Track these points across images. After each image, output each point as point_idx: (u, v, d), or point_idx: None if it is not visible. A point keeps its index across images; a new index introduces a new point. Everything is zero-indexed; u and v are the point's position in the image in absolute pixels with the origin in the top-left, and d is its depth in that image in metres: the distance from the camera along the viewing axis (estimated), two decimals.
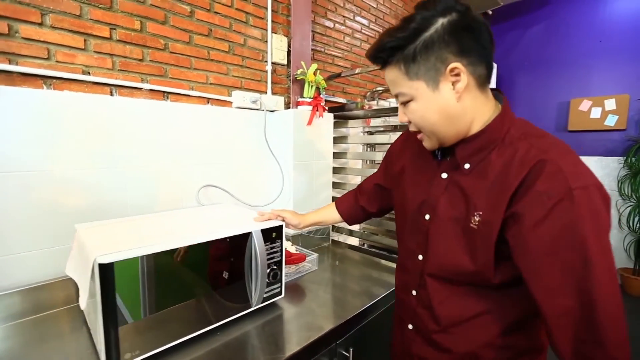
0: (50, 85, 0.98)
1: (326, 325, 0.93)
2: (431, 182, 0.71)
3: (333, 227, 1.77)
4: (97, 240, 0.78)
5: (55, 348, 0.81)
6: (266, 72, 1.54)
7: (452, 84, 0.59)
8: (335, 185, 1.76)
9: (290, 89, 1.63)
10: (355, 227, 1.82)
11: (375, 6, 2.29)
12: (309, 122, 1.51)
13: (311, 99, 1.53)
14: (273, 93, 1.58)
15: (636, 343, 2.15)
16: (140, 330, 0.73)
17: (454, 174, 0.67)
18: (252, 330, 0.91)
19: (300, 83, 1.60)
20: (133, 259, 0.71)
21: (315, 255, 1.36)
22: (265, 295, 0.98)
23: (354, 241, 1.80)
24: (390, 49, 0.60)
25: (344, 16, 2.03)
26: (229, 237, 0.88)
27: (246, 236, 0.92)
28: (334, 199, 1.48)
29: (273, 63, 1.56)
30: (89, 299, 0.73)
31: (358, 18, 2.15)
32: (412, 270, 0.76)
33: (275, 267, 0.99)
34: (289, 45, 1.62)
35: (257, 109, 1.48)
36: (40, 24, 0.95)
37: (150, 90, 1.18)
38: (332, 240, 1.73)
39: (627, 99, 3.06)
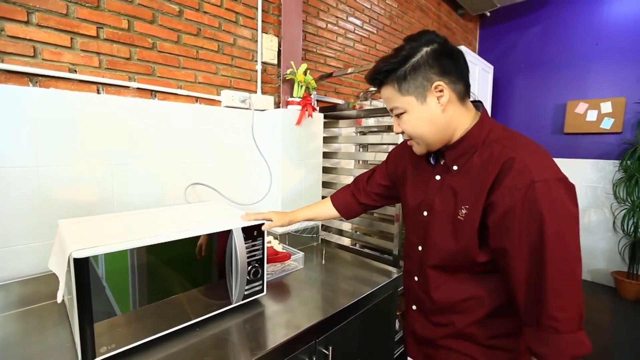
0: (37, 82, 1.00)
1: (306, 323, 0.94)
2: (427, 184, 0.84)
3: (322, 226, 1.78)
4: (76, 235, 0.79)
5: (36, 341, 0.82)
6: (256, 71, 1.55)
7: (438, 99, 0.72)
8: (326, 184, 1.77)
9: (280, 88, 1.65)
10: (347, 227, 1.83)
11: (369, 7, 2.30)
12: (298, 122, 1.52)
13: (300, 99, 1.54)
14: (263, 92, 1.60)
15: (633, 346, 2.16)
16: (118, 324, 0.74)
17: (446, 176, 0.80)
18: (232, 326, 0.92)
19: (290, 83, 1.61)
20: (113, 254, 0.72)
21: (301, 253, 1.37)
22: (246, 293, 0.99)
23: (344, 241, 1.81)
24: (386, 72, 0.74)
25: (336, 16, 2.04)
26: (209, 234, 0.89)
27: (227, 233, 0.93)
28: (324, 198, 1.49)
29: (263, 63, 1.57)
30: (66, 294, 0.74)
31: (351, 19, 2.16)
32: (414, 259, 0.89)
33: (257, 264, 1.00)
34: (280, 45, 1.63)
35: (246, 108, 1.49)
36: (27, 22, 0.96)
37: (138, 88, 1.19)
38: (322, 240, 1.74)
39: (623, 102, 3.06)
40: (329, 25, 2.00)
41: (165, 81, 1.27)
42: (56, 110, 1.01)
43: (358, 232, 1.86)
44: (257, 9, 1.52)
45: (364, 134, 1.87)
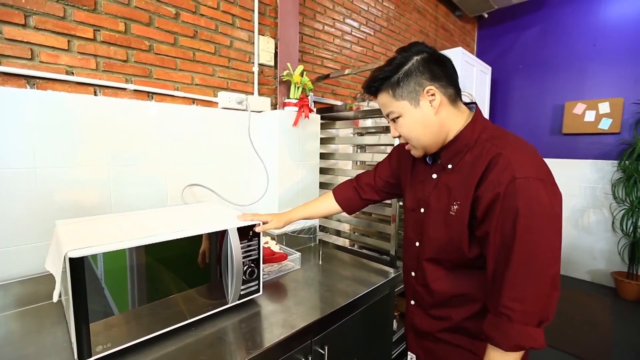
0: (34, 84, 1.01)
1: (302, 323, 0.94)
2: (425, 182, 0.89)
3: (320, 226, 1.78)
4: (72, 235, 0.80)
5: (33, 341, 0.83)
6: (253, 73, 1.56)
7: (430, 102, 0.77)
8: (323, 185, 1.78)
9: (277, 90, 1.65)
10: (344, 228, 1.84)
11: (366, 9, 2.31)
12: (295, 123, 1.52)
13: (297, 100, 1.55)
14: (260, 94, 1.60)
15: (634, 348, 2.16)
16: (114, 324, 0.75)
17: (442, 174, 0.84)
18: (227, 326, 0.92)
19: (287, 84, 1.62)
20: (110, 254, 0.73)
21: (298, 254, 1.38)
22: (241, 293, 0.99)
23: (341, 241, 1.82)
24: (381, 80, 0.80)
25: (333, 18, 2.06)
26: (205, 234, 0.90)
27: (223, 233, 0.94)
28: None
29: (260, 64, 1.58)
30: (63, 293, 0.74)
31: (348, 20, 2.18)
32: (412, 255, 0.93)
33: (252, 264, 1.01)
34: (276, 47, 1.64)
35: (242, 110, 1.50)
36: (24, 25, 0.98)
37: (135, 90, 1.20)
38: (319, 240, 1.75)
39: (621, 103, 3.06)
40: (325, 27, 2.01)
41: (162, 83, 1.28)
42: (53, 112, 1.01)
43: (355, 233, 1.86)
44: (253, 11, 1.53)
45: (361, 134, 1.88)
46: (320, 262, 1.46)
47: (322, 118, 1.73)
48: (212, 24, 1.40)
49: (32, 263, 1.00)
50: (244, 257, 0.98)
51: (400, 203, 1.41)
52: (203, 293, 0.91)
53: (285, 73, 1.58)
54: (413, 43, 0.80)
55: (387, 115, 0.84)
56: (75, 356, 0.71)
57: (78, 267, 0.69)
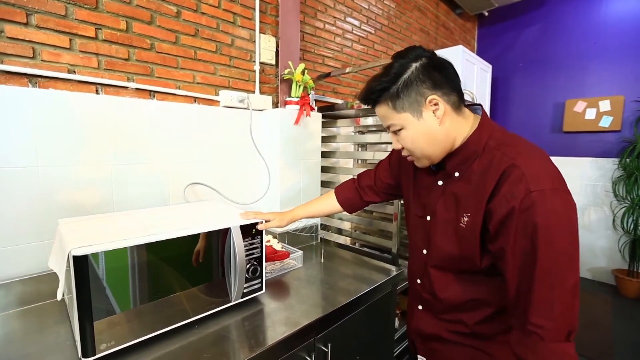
0: (36, 83, 1.01)
1: (305, 321, 0.94)
2: (430, 189, 0.85)
3: (322, 225, 1.78)
4: (76, 234, 0.80)
5: (36, 339, 0.83)
6: (254, 71, 1.56)
7: (433, 112, 0.73)
8: (325, 184, 1.78)
9: (278, 88, 1.65)
10: (346, 226, 1.84)
11: (367, 7, 2.31)
12: (296, 121, 1.52)
13: (298, 99, 1.55)
14: (261, 92, 1.60)
15: (634, 345, 2.16)
16: (117, 322, 0.75)
17: (448, 182, 0.80)
18: (231, 324, 0.92)
19: (288, 83, 1.61)
20: (112, 252, 0.73)
21: (300, 252, 1.38)
22: (245, 291, 0.99)
23: (343, 240, 1.82)
24: (378, 91, 0.74)
25: (334, 17, 2.05)
26: (208, 233, 0.90)
27: (226, 232, 0.94)
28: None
29: (261, 63, 1.58)
30: (67, 292, 0.75)
31: (349, 19, 2.17)
32: (418, 262, 0.90)
33: (255, 262, 1.01)
34: (277, 46, 1.64)
35: (244, 108, 1.50)
36: (26, 24, 0.97)
37: (137, 89, 1.20)
38: (321, 238, 1.75)
39: (622, 100, 3.06)
40: (326, 25, 2.01)
41: (164, 81, 1.28)
42: (55, 110, 1.01)
43: (357, 231, 1.87)
44: (254, 9, 1.53)
45: (362, 133, 1.88)
46: (322, 260, 1.46)
47: (323, 116, 1.73)
48: (214, 23, 1.40)
49: (33, 262, 1.00)
50: (246, 255, 0.98)
51: (402, 202, 1.41)
52: (206, 291, 0.91)
53: (286, 71, 1.58)
54: (410, 48, 0.75)
55: (388, 127, 0.80)
56: (80, 354, 0.71)
57: (82, 265, 0.69)
